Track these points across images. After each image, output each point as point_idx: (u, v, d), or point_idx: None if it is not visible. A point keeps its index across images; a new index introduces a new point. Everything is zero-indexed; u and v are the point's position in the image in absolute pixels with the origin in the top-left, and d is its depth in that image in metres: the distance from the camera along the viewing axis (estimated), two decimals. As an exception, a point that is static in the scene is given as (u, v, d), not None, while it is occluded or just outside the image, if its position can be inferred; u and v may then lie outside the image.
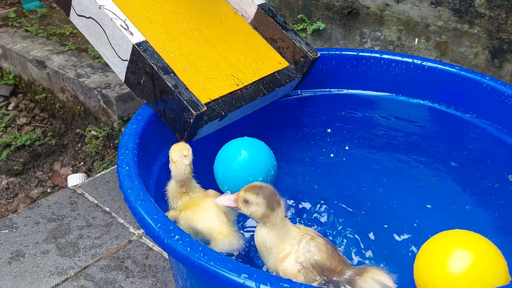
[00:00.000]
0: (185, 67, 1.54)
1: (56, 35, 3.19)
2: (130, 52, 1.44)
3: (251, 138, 1.56)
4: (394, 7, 2.45)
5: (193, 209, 1.37)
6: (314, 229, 1.44)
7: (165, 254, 1.79)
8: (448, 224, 1.39)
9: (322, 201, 1.65)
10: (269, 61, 1.72)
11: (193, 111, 1.37)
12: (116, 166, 2.27)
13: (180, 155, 1.35)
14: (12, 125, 2.92)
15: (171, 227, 1.05)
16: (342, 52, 1.86)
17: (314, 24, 2.73)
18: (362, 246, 1.46)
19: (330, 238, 1.49)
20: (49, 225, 1.93)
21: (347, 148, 1.90)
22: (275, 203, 1.17)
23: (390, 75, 1.85)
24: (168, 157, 1.39)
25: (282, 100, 1.83)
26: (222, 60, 1.64)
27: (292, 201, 1.65)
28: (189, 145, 1.39)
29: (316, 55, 1.71)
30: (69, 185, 2.25)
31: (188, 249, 1.00)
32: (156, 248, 1.83)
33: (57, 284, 1.68)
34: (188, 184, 1.41)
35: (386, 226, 1.52)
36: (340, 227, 1.53)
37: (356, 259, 1.42)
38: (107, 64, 2.79)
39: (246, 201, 1.19)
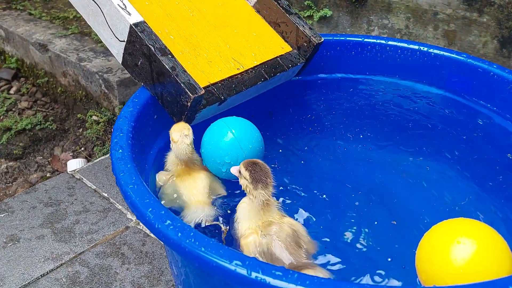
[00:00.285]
0: (184, 49, 1.50)
1: (59, 19, 3.15)
2: (127, 33, 1.40)
3: (239, 117, 1.47)
4: (402, -6, 2.39)
5: (184, 177, 1.39)
6: (307, 221, 1.41)
7: (162, 241, 1.77)
8: (453, 215, 1.35)
9: (320, 191, 1.60)
10: (271, 46, 1.68)
11: (190, 94, 1.33)
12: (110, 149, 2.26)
13: (181, 135, 1.35)
14: (13, 109, 2.90)
15: (163, 212, 1.02)
16: (347, 38, 1.81)
17: (321, 11, 2.68)
18: (366, 239, 1.41)
19: (330, 230, 1.45)
20: (45, 209, 1.90)
21: (349, 135, 1.85)
22: (260, 183, 1.20)
23: (395, 62, 1.80)
24: (166, 140, 1.38)
25: (283, 85, 1.79)
26: (223, 43, 1.60)
27: (285, 188, 1.60)
28: (189, 125, 1.38)
29: (320, 40, 1.66)
30: (68, 170, 2.22)
31: (179, 234, 0.97)
32: (153, 234, 1.79)
33: (52, 269, 1.66)
34: (188, 162, 1.41)
35: (390, 217, 1.48)
36: (339, 218, 1.48)
37: (358, 252, 1.37)
38: (109, 49, 2.76)
39: (239, 172, 1.24)
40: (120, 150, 1.19)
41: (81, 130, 2.73)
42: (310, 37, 1.65)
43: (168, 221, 0.99)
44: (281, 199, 1.50)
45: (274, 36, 1.72)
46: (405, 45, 1.76)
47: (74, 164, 2.33)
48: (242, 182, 1.23)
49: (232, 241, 1.29)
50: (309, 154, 1.79)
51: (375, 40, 1.79)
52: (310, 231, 1.29)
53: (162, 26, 1.51)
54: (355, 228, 1.42)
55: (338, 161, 1.77)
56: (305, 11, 2.72)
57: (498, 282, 0.88)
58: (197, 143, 1.43)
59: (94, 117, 2.62)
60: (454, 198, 1.52)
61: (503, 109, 1.60)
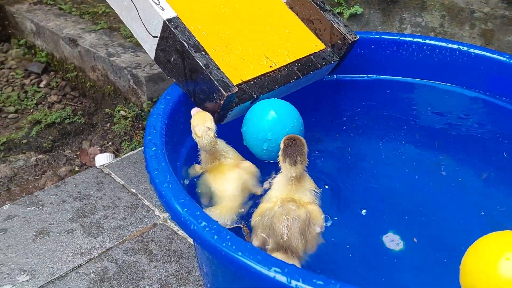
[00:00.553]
0: (216, 46, 1.47)
1: (89, 14, 3.16)
2: (160, 29, 1.38)
3: (280, 100, 1.48)
4: (438, -9, 2.33)
5: (216, 174, 1.38)
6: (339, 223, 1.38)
7: (190, 240, 1.75)
8: (491, 225, 1.31)
9: (350, 195, 1.56)
10: (304, 43, 1.64)
11: (224, 92, 1.31)
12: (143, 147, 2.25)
13: (204, 129, 1.32)
14: (43, 103, 2.92)
15: (198, 213, 1.00)
16: (382, 36, 1.76)
17: (351, 8, 2.63)
18: (402, 249, 1.37)
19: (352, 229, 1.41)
20: (75, 203, 1.91)
21: (380, 137, 1.81)
22: (288, 158, 1.22)
23: (432, 62, 1.74)
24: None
25: (316, 84, 1.75)
26: (255, 40, 1.57)
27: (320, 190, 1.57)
28: (210, 114, 1.35)
29: (355, 38, 1.62)
30: (96, 165, 2.23)
31: (215, 237, 0.94)
32: (181, 232, 1.78)
33: (80, 264, 1.66)
34: (216, 152, 1.39)
35: (426, 224, 1.43)
36: (373, 224, 1.44)
37: (392, 262, 1.33)
38: (138, 44, 2.76)
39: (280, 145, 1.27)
40: (154, 148, 1.18)
41: (108, 124, 2.74)
42: (345, 34, 1.62)
43: (204, 223, 0.97)
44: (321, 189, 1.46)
45: (307, 33, 1.68)
46: (444, 44, 1.71)
47: (102, 159, 2.33)
48: (279, 153, 1.25)
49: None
50: (339, 155, 1.75)
51: (411, 39, 1.74)
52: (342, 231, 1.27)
53: (194, 22, 1.49)
54: (387, 235, 1.38)
55: (368, 163, 1.73)
56: (335, 8, 2.67)
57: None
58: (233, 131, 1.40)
59: (122, 112, 2.62)
60: (496, 207, 1.47)
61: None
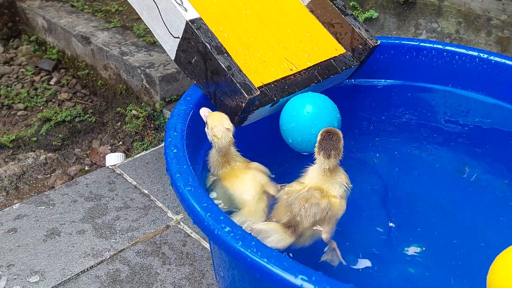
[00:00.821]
0: (238, 48, 1.46)
1: (101, 12, 3.15)
2: (183, 29, 1.36)
3: (316, 93, 1.51)
4: (456, -3, 2.31)
5: (231, 179, 1.37)
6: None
7: (203, 242, 1.73)
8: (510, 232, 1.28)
9: (366, 202, 1.54)
10: (324, 47, 1.62)
11: (246, 95, 1.29)
12: (157, 147, 2.23)
13: (223, 129, 1.31)
14: (53, 100, 2.91)
15: (222, 217, 0.98)
16: (402, 42, 1.74)
17: (366, 12, 2.61)
18: (426, 256, 1.34)
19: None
20: (86, 204, 1.89)
21: (398, 142, 1.79)
22: (323, 151, 1.28)
23: (452, 69, 1.72)
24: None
25: (333, 88, 1.73)
26: (276, 43, 1.55)
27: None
28: (224, 114, 1.34)
29: (376, 43, 1.60)
30: (107, 164, 2.21)
31: (240, 243, 0.92)
32: (194, 235, 1.76)
33: (92, 266, 1.64)
34: (229, 154, 1.38)
35: (451, 233, 1.41)
36: (396, 232, 1.42)
37: (417, 269, 1.31)
38: (151, 43, 2.74)
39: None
40: (175, 150, 1.16)
41: (119, 124, 2.72)
42: (366, 39, 1.60)
43: (228, 228, 0.95)
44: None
45: (328, 37, 1.66)
46: (464, 51, 1.68)
47: (113, 158, 2.31)
48: (316, 145, 1.31)
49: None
50: (353, 158, 1.73)
51: (431, 45, 1.72)
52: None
53: (216, 23, 1.47)
54: (413, 243, 1.36)
55: (383, 168, 1.71)
56: (350, 12, 2.65)
57: None
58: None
59: (134, 112, 2.60)
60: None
61: None
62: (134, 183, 2.00)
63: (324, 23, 1.67)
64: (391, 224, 1.45)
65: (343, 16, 1.63)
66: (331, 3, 1.64)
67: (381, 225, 1.43)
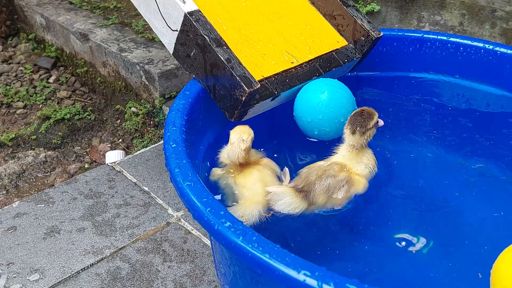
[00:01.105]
0: (237, 41, 1.43)
1: (100, 9, 3.12)
2: (181, 22, 1.33)
3: (328, 78, 1.50)
4: (459, -11, 2.27)
5: (238, 174, 1.33)
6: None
7: (204, 239, 1.71)
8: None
9: (370, 198, 1.51)
10: (326, 39, 1.59)
11: (246, 88, 1.26)
12: (157, 144, 2.21)
13: (239, 138, 1.28)
14: (52, 98, 2.88)
15: (222, 212, 0.95)
16: (406, 33, 1.71)
17: (368, 5, 2.58)
18: (429, 252, 1.31)
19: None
20: (86, 201, 1.87)
21: (401, 136, 1.75)
22: (350, 125, 1.29)
23: (456, 60, 1.69)
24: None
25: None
26: (276, 36, 1.52)
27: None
28: (252, 131, 1.31)
29: (379, 34, 1.57)
30: (107, 162, 2.19)
31: (241, 238, 0.90)
32: (195, 232, 1.74)
33: (92, 263, 1.61)
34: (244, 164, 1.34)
35: (454, 230, 1.37)
36: (400, 226, 1.39)
37: (420, 264, 1.28)
38: (150, 39, 2.72)
39: None
40: (174, 145, 1.13)
41: (119, 121, 2.70)
42: (368, 31, 1.57)
43: (229, 223, 0.92)
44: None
45: (329, 29, 1.63)
46: (469, 42, 1.65)
47: (113, 156, 2.29)
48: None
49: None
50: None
51: (435, 36, 1.69)
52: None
53: (215, 15, 1.44)
54: (417, 239, 1.33)
55: (386, 161, 1.68)
56: (352, 6, 2.62)
57: None
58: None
59: (133, 109, 2.58)
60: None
61: None
62: (134, 180, 1.97)
63: (326, 15, 1.64)
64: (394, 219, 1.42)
65: (344, 7, 1.60)
66: (333, -5, 1.61)
67: (384, 220, 1.40)
